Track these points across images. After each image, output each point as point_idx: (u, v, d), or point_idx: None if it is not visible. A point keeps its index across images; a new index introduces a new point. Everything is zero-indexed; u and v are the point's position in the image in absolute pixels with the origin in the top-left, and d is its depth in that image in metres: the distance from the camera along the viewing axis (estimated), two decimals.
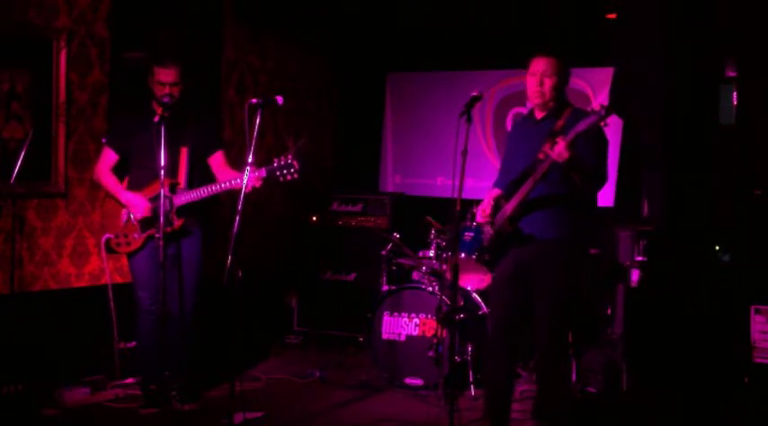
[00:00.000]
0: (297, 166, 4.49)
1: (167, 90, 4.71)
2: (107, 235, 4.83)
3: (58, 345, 5.14)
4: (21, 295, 4.98)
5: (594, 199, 4.41)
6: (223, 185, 4.68)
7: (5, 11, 4.97)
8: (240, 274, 4.11)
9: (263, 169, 4.54)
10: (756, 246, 5.81)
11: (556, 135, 4.09)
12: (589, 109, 4.10)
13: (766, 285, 5.43)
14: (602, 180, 4.21)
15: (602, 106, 3.91)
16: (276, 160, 4.53)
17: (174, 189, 4.75)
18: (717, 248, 6.35)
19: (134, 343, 5.31)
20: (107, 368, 5.27)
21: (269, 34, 6.98)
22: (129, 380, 5.24)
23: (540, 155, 4.12)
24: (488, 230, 4.40)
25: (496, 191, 4.42)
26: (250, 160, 4.16)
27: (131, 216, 4.78)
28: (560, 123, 4.20)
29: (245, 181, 4.22)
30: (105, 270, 4.96)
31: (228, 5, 6.55)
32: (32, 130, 5.01)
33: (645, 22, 6.45)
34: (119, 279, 5.51)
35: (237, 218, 4.12)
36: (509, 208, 4.18)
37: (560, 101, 4.30)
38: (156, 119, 4.54)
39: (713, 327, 5.72)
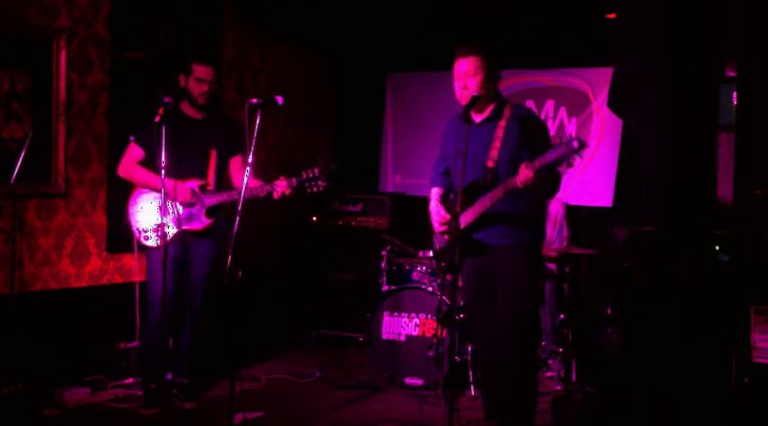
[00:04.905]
0: (324, 179, 4.67)
1: (206, 87, 4.87)
2: (136, 228, 4.90)
3: (58, 345, 5.14)
4: (21, 295, 4.98)
5: (545, 206, 4.43)
6: (254, 190, 4.72)
7: (5, 10, 4.97)
8: (240, 274, 4.12)
9: (294, 179, 4.70)
10: (756, 246, 5.80)
11: (500, 140, 4.13)
12: (557, 138, 4.04)
13: (766, 285, 5.42)
14: (557, 186, 4.23)
15: (576, 138, 3.75)
16: (305, 172, 4.69)
17: (204, 189, 4.85)
18: (717, 248, 6.34)
19: (134, 343, 5.33)
20: (107, 368, 5.28)
21: (269, 34, 6.99)
22: (129, 380, 5.25)
23: (489, 164, 4.13)
24: (440, 238, 4.40)
25: (439, 191, 4.45)
26: (250, 160, 4.17)
27: (174, 203, 4.83)
28: (502, 124, 4.19)
29: (244, 182, 4.23)
30: (134, 265, 4.96)
31: (228, 5, 6.55)
32: (32, 130, 5.01)
33: (645, 22, 6.44)
34: (119, 280, 5.52)
35: (237, 219, 4.12)
36: (466, 218, 4.15)
37: (496, 99, 4.28)
38: (157, 119, 4.54)
39: (713, 327, 5.72)
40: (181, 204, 4.84)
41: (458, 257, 3.98)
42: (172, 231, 4.84)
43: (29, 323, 4.99)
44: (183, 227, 4.85)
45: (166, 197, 4.68)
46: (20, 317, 4.89)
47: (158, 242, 4.81)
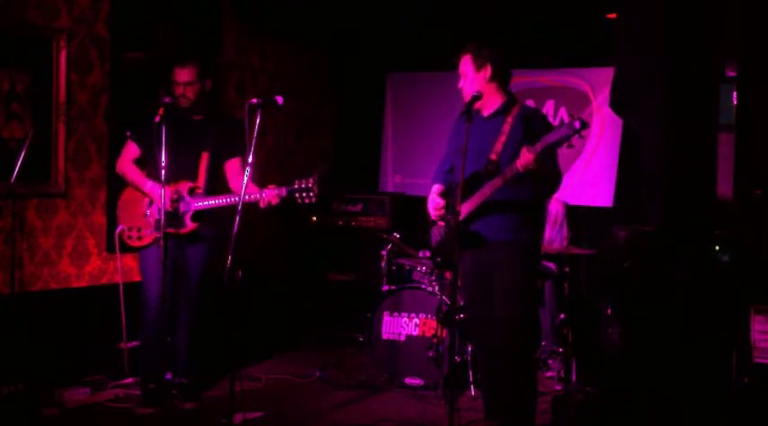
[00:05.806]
0: (316, 191, 4.53)
1: (181, 90, 4.79)
2: (120, 226, 4.86)
3: (58, 345, 5.14)
4: (21, 295, 4.99)
5: (544, 202, 4.40)
6: (245, 198, 4.66)
7: (5, 10, 4.98)
8: (240, 274, 4.11)
9: (284, 189, 4.57)
10: (756, 246, 5.80)
11: (506, 135, 4.12)
12: (558, 121, 4.04)
13: (766, 285, 5.42)
14: (558, 183, 4.21)
15: (578, 118, 3.80)
16: (297, 182, 4.56)
17: (192, 192, 4.77)
18: (717, 248, 6.34)
19: (134, 343, 5.32)
20: (107, 368, 5.28)
21: (269, 34, 6.99)
22: (129, 380, 5.25)
23: (493, 156, 4.13)
24: (438, 233, 4.39)
25: (439, 187, 4.42)
26: (250, 160, 4.17)
27: (151, 208, 4.78)
28: (509, 120, 4.20)
29: (244, 182, 4.23)
30: (118, 265, 4.96)
31: (228, 5, 6.56)
32: (32, 130, 5.02)
33: (645, 22, 6.44)
34: (118, 279, 5.52)
35: (237, 219, 4.13)
36: (465, 209, 4.12)
37: (504, 96, 4.29)
38: (157, 119, 4.54)
39: (713, 327, 5.71)
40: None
41: (457, 254, 3.98)
42: (150, 233, 4.78)
43: (29, 323, 4.99)
44: (167, 230, 4.71)
45: (154, 200, 4.69)
46: (20, 317, 4.89)
47: (143, 241, 4.79)
